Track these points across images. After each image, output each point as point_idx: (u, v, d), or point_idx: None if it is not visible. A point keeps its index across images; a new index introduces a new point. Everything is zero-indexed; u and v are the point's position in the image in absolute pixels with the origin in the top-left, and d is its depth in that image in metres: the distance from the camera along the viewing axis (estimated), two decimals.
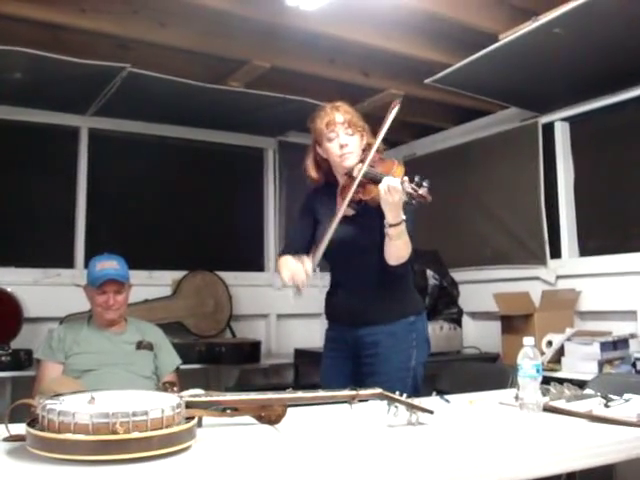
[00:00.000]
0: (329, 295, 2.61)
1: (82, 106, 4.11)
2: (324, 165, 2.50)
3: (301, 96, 3.85)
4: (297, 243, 2.53)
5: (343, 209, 2.31)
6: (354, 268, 2.46)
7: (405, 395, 1.75)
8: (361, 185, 2.30)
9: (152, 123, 4.47)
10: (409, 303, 2.53)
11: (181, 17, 3.17)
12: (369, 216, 2.33)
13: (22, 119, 4.09)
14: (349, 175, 2.39)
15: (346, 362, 2.51)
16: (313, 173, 2.51)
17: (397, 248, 2.28)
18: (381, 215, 2.23)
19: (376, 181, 2.20)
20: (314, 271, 2.30)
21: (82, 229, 4.29)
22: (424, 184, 2.10)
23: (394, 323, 2.44)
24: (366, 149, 2.41)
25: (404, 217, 2.20)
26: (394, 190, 2.10)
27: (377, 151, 2.36)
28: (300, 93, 3.86)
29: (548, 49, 3.20)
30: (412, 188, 2.09)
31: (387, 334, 2.42)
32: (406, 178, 2.12)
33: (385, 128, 2.33)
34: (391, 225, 2.19)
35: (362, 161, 2.36)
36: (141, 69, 3.41)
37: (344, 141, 2.38)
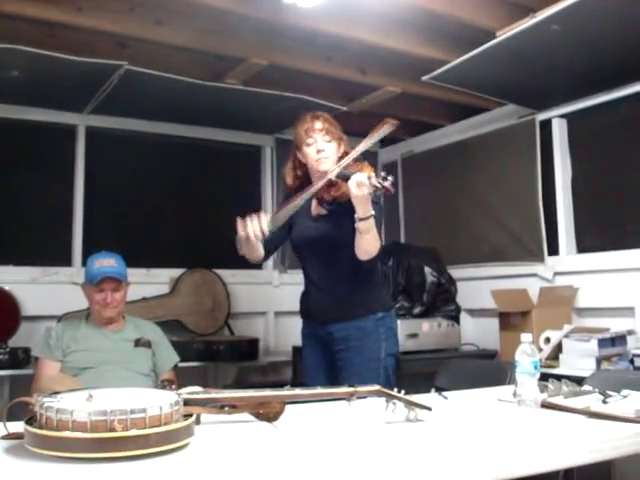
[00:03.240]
0: (303, 294, 2.75)
1: (79, 104, 4.11)
2: (302, 169, 2.66)
3: (298, 93, 3.85)
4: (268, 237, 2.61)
5: (317, 188, 2.45)
6: (325, 266, 2.60)
7: (403, 392, 1.76)
8: (334, 184, 2.44)
9: (149, 121, 4.46)
10: (377, 300, 2.65)
11: (178, 15, 3.16)
12: (341, 216, 2.45)
13: (19, 117, 4.08)
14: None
15: (323, 358, 2.65)
16: (289, 179, 2.69)
17: (367, 242, 2.38)
18: (352, 215, 2.32)
19: (347, 179, 2.31)
20: (269, 229, 2.41)
21: (80, 227, 4.28)
22: (389, 178, 2.20)
23: (362, 319, 2.56)
24: (343, 156, 2.53)
25: (373, 212, 2.30)
26: (362, 184, 2.21)
27: (354, 159, 2.45)
28: (297, 90, 3.86)
29: (546, 46, 3.20)
30: (378, 182, 2.19)
31: (356, 329, 2.55)
32: (373, 174, 2.23)
33: (370, 142, 2.41)
34: (361, 219, 2.30)
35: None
36: (138, 67, 3.40)
37: (321, 146, 2.54)
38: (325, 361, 2.64)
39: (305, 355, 2.75)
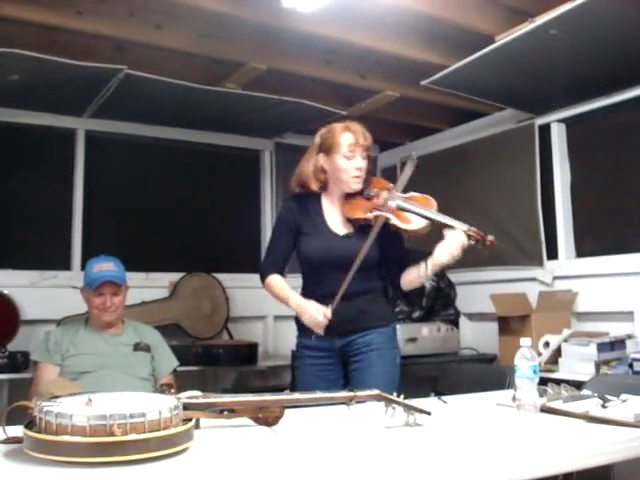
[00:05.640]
0: None
1: (79, 108, 4.11)
2: (324, 175, 2.55)
3: (298, 98, 3.86)
4: (280, 259, 2.60)
5: (376, 231, 2.41)
6: (351, 281, 2.42)
7: (402, 396, 1.76)
8: (392, 211, 2.42)
9: (149, 125, 4.47)
10: (392, 310, 2.68)
11: (178, 19, 3.17)
12: (365, 232, 2.44)
13: (19, 121, 4.09)
14: (365, 196, 2.49)
15: (331, 369, 2.55)
16: (313, 185, 2.55)
17: (419, 280, 2.47)
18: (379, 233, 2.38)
19: (417, 214, 2.38)
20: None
21: (79, 231, 4.28)
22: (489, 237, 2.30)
23: (384, 327, 2.54)
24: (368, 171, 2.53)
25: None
26: (460, 246, 2.28)
27: (388, 189, 2.49)
28: (296, 95, 3.86)
29: (544, 50, 3.20)
30: (478, 235, 2.29)
31: (379, 334, 2.51)
32: (472, 228, 2.32)
33: (405, 180, 2.48)
34: (435, 264, 2.38)
35: (387, 189, 2.49)
36: (138, 71, 3.40)
37: (360, 164, 2.47)
38: (332, 372, 2.54)
39: (304, 366, 2.60)
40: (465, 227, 2.34)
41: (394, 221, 2.41)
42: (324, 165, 2.52)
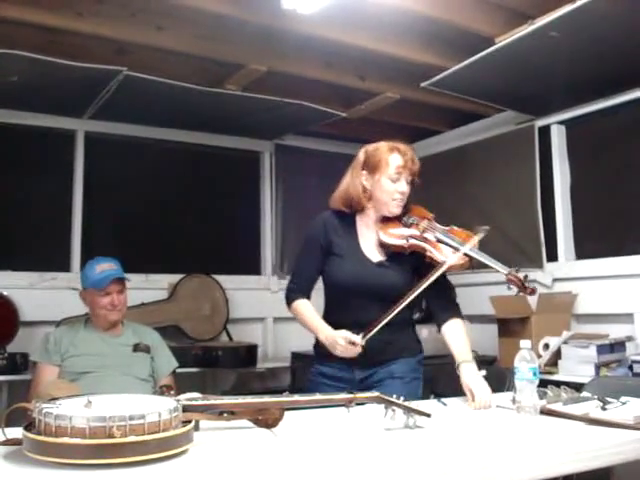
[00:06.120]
0: None
1: (79, 109, 4.11)
2: (365, 194, 2.42)
3: (298, 99, 3.86)
4: (308, 281, 2.46)
5: (432, 279, 2.27)
6: (383, 310, 2.29)
7: (402, 398, 1.76)
8: (429, 242, 2.34)
9: (149, 126, 4.47)
10: (418, 341, 2.54)
11: (178, 20, 3.17)
12: (400, 261, 2.37)
13: (18, 122, 4.09)
14: (403, 223, 2.41)
15: None
16: (365, 202, 2.41)
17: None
18: (409, 259, 2.33)
19: (455, 248, 2.29)
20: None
21: (78, 232, 4.28)
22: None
23: (409, 358, 2.43)
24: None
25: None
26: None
27: (428, 219, 2.42)
28: (297, 96, 3.86)
29: (544, 52, 3.21)
30: (518, 281, 2.24)
31: (402, 364, 2.40)
32: (507, 271, 2.26)
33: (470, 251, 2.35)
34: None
35: (426, 219, 2.42)
36: (138, 72, 3.40)
37: (404, 189, 2.36)
38: None
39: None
40: (506, 270, 2.26)
41: (431, 253, 2.31)
42: (365, 185, 2.39)
